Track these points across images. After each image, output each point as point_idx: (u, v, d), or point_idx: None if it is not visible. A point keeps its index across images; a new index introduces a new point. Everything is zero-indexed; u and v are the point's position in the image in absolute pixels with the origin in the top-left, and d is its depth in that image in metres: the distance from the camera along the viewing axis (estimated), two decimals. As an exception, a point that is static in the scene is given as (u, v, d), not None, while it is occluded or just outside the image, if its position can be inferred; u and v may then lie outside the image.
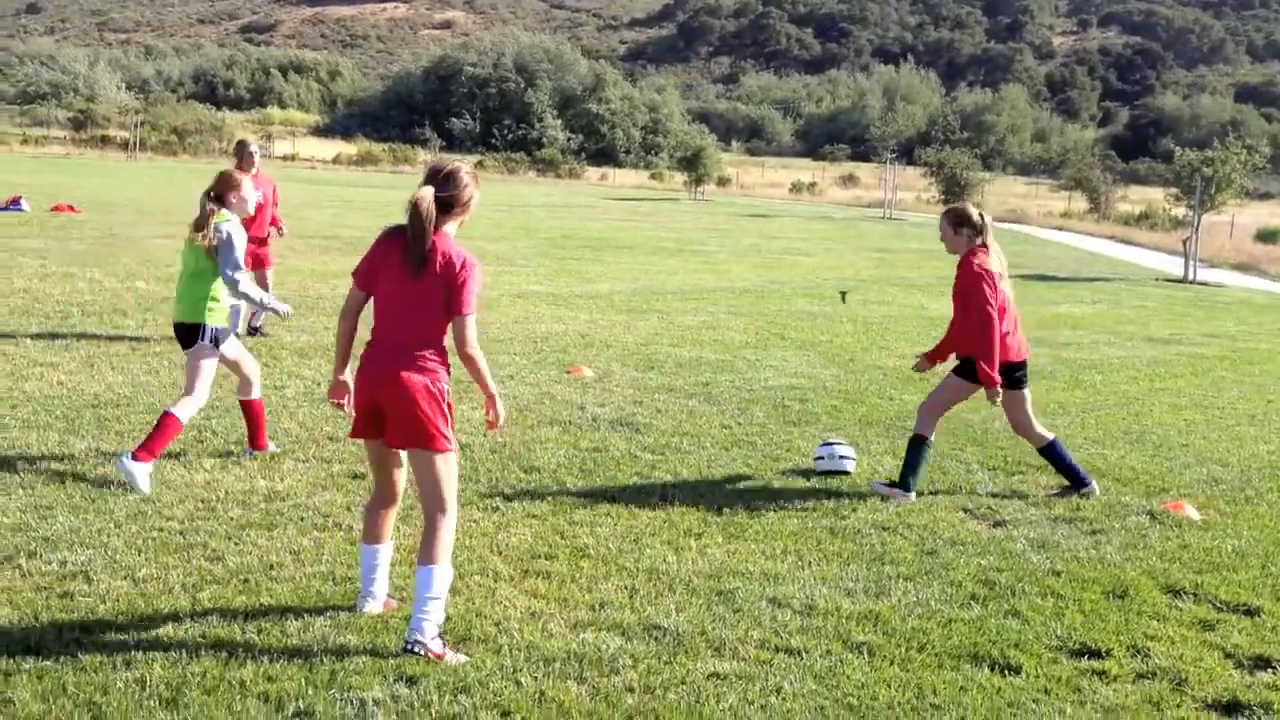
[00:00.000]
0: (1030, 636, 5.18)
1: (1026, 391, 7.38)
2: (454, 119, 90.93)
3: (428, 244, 4.61)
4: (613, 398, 9.71)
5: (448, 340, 4.74)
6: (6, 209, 23.80)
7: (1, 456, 6.95)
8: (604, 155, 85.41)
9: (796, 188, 65.60)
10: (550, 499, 6.80)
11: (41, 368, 9.47)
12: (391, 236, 4.75)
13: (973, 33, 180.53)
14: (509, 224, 30.23)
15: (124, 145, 63.42)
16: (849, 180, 72.94)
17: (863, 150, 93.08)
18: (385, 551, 5.01)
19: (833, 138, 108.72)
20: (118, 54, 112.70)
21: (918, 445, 7.26)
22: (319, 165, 64.30)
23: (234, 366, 7.14)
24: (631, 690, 4.43)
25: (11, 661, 4.36)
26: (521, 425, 8.54)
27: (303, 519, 6.19)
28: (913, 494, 7.18)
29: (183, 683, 4.26)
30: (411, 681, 4.38)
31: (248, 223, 8.42)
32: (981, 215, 7.26)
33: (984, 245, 7.19)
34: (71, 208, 24.77)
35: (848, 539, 6.37)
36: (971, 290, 7.05)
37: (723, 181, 63.37)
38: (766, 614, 5.23)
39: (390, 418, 4.69)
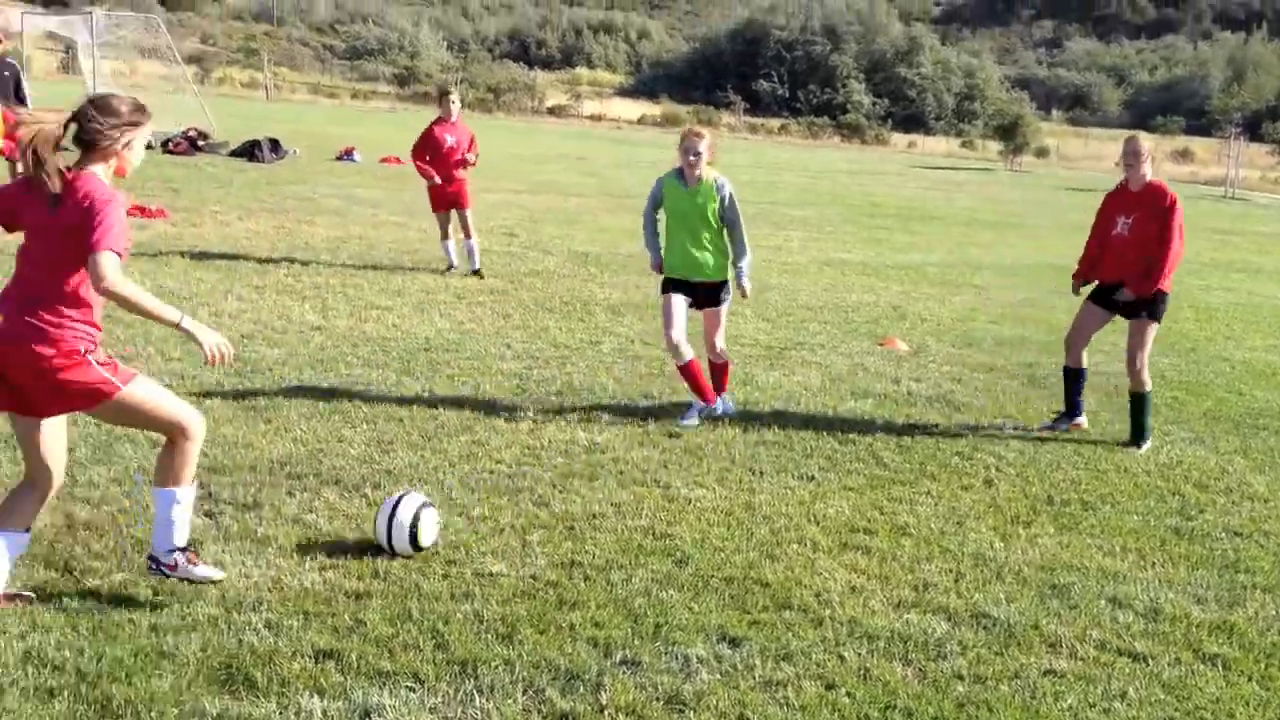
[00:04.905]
0: None
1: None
2: (760, 81, 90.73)
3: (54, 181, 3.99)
4: (929, 373, 9.40)
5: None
6: (341, 159, 25.37)
7: (346, 392, 7.36)
8: (912, 121, 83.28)
9: (1122, 161, 61.78)
10: (866, 473, 6.63)
11: (378, 310, 9.99)
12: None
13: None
14: (816, 190, 29.92)
15: (444, 102, 66.44)
16: (1183, 155, 68.17)
17: (1199, 124, 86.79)
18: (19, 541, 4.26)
19: (1166, 109, 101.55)
20: (439, 14, 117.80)
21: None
22: (624, 125, 65.50)
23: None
24: (961, 678, 4.24)
25: (361, 584, 4.59)
26: (835, 395, 8.38)
27: (622, 473, 6.27)
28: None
29: (516, 620, 4.38)
30: (734, 643, 4.34)
31: None
32: None
33: None
34: (399, 160, 26.10)
35: (1195, 541, 5.90)
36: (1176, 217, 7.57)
37: (1041, 152, 60.47)
38: (1106, 613, 4.90)
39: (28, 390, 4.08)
